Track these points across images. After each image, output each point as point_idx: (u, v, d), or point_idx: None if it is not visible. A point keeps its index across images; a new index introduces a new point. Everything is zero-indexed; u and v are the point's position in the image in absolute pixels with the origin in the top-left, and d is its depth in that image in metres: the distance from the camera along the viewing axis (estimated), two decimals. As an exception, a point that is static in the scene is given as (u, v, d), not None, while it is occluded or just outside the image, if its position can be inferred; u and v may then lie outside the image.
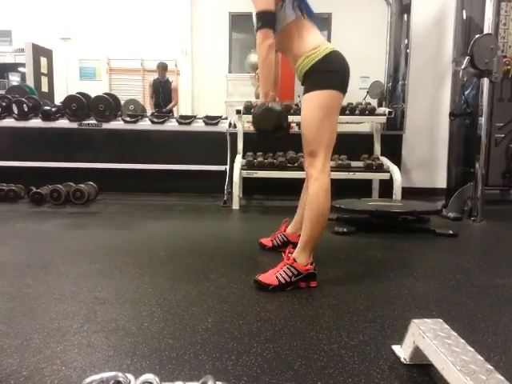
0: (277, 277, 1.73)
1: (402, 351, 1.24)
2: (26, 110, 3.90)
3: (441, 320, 1.21)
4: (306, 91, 1.79)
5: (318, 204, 1.76)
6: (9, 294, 1.66)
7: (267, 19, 1.73)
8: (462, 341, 1.10)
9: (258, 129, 1.84)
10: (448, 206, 3.51)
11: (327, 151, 1.78)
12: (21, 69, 6.84)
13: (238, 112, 3.94)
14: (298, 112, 3.91)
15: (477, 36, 3.03)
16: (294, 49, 1.82)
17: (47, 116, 3.89)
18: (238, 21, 6.98)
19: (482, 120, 3.20)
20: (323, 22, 7.05)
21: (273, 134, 1.80)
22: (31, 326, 1.39)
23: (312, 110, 1.76)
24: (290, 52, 1.85)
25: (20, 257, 2.16)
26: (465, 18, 3.57)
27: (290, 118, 4.09)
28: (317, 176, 1.76)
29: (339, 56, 1.81)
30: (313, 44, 1.78)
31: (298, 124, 4.96)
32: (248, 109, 3.85)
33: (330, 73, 1.75)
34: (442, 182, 3.94)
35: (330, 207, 1.80)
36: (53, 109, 3.95)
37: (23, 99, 3.95)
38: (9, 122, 3.91)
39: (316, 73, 1.76)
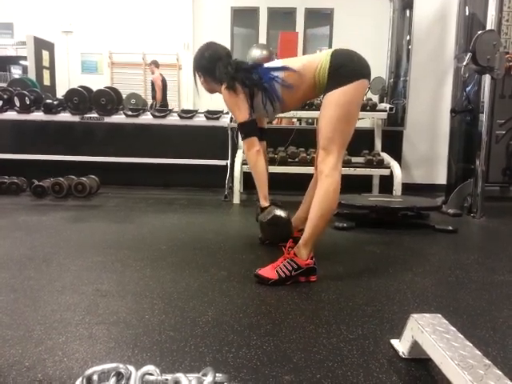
0: (277, 271, 1.74)
1: (401, 345, 1.25)
2: (27, 103, 3.90)
3: (439, 315, 1.22)
4: (326, 91, 1.81)
5: (326, 201, 1.77)
6: (11, 286, 1.67)
7: (248, 130, 1.93)
8: (461, 336, 1.11)
9: (267, 237, 2.11)
10: (448, 202, 3.52)
11: (341, 149, 1.80)
12: (22, 62, 6.82)
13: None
14: (298, 108, 3.91)
15: (479, 32, 3.02)
16: (307, 84, 1.86)
17: (49, 109, 3.89)
18: (240, 15, 6.95)
19: (483, 117, 3.20)
20: (325, 18, 7.02)
21: (281, 240, 1.93)
22: (33, 317, 1.41)
23: (330, 109, 1.78)
24: (305, 91, 1.90)
25: (22, 249, 2.18)
26: (467, 14, 3.56)
27: (291, 114, 4.10)
28: (328, 173, 1.77)
29: (343, 51, 1.84)
30: (316, 61, 1.82)
31: (299, 120, 4.98)
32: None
33: (340, 69, 1.77)
34: (442, 178, 3.94)
35: (337, 205, 1.82)
36: (54, 102, 3.95)
37: (25, 92, 3.95)
38: (11, 114, 3.91)
39: (331, 76, 1.78)
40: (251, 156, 1.93)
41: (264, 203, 1.95)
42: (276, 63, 1.98)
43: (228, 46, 7.64)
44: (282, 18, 6.82)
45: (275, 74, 1.89)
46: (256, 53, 6.54)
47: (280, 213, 1.91)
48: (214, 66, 2.01)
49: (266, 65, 1.99)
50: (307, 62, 1.87)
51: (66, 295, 1.59)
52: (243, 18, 7.00)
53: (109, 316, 1.43)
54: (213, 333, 1.33)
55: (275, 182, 3.99)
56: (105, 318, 1.41)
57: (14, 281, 1.73)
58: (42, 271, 1.86)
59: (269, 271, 1.75)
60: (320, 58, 1.82)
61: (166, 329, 1.35)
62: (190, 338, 1.29)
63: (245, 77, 1.91)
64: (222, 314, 1.46)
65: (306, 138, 3.77)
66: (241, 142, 4.05)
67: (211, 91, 2.14)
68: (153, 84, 6.56)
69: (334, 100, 1.76)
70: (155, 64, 6.70)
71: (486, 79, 3.17)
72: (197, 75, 2.12)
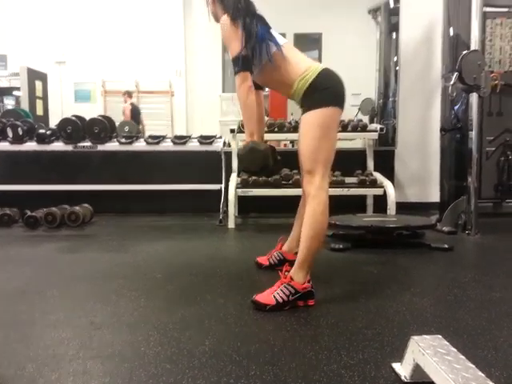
0: (274, 296, 1.72)
1: (403, 369, 1.23)
2: (20, 133, 3.91)
3: (440, 336, 1.21)
4: (304, 111, 1.82)
5: (316, 222, 1.76)
6: (1, 321, 1.64)
7: (242, 63, 1.79)
8: (462, 357, 1.09)
9: (244, 169, 1.91)
10: (442, 220, 3.52)
11: (325, 169, 1.80)
12: (16, 92, 6.88)
13: (232, 131, 3.97)
14: (291, 130, 3.96)
15: (464, 52, 3.10)
16: (284, 77, 1.85)
17: (42, 139, 3.89)
18: (231, 42, 7.09)
19: (473, 134, 3.24)
20: (314, 42, 7.20)
21: (259, 173, 1.85)
22: (25, 354, 1.37)
23: (310, 129, 1.78)
24: (281, 82, 1.88)
25: (14, 282, 2.14)
26: (452, 35, 3.65)
27: (284, 136, 4.15)
28: (315, 193, 1.77)
29: (331, 73, 1.85)
30: (303, 67, 1.82)
31: (292, 142, 5.02)
32: (242, 128, 3.88)
33: (325, 90, 1.79)
34: (435, 196, 3.96)
35: (327, 225, 1.81)
36: (48, 132, 3.96)
37: (18, 123, 3.96)
38: (3, 145, 3.91)
39: (312, 93, 1.79)
40: (242, 91, 1.79)
41: (247, 138, 1.85)
42: (278, 37, 1.91)
43: (220, 72, 7.80)
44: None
45: (270, 40, 1.85)
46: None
47: (257, 144, 1.81)
48: None
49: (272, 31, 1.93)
50: (297, 62, 1.85)
51: (59, 329, 1.56)
52: (233, 44, 7.14)
53: (103, 349, 1.40)
54: (210, 364, 1.30)
55: (270, 204, 4.02)
56: (99, 352, 1.38)
57: (5, 316, 1.69)
58: (35, 305, 1.82)
59: (266, 297, 1.73)
60: (307, 68, 1.81)
61: (163, 361, 1.31)
62: (188, 370, 1.26)
63: (247, 17, 1.84)
64: (220, 344, 1.43)
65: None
66: (235, 166, 4.07)
67: (215, 17, 2.03)
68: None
69: (314, 120, 1.77)
70: (128, 94, 7.01)
71: (474, 97, 3.23)
72: None
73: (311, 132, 1.78)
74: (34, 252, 2.82)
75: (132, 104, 6.99)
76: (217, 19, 2.01)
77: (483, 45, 3.68)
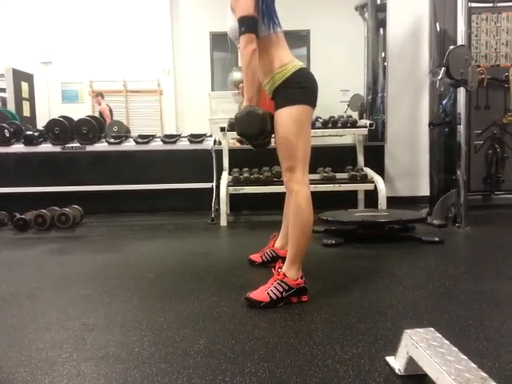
0: (268, 293, 1.72)
1: (396, 362, 1.24)
2: (7, 135, 3.86)
3: (433, 329, 1.22)
4: (278, 107, 1.80)
5: (301, 216, 1.77)
6: (-7, 326, 1.61)
7: (250, 24, 1.74)
8: (455, 349, 1.11)
9: (241, 133, 1.82)
10: (432, 213, 3.56)
11: (304, 164, 1.81)
12: (1, 94, 6.77)
13: (223, 129, 3.96)
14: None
15: (451, 47, 3.12)
16: (266, 61, 1.84)
17: (29, 141, 3.85)
18: (219, 40, 7.08)
19: (461, 128, 3.28)
20: (302, 40, 7.20)
21: (256, 137, 1.80)
22: (17, 358, 1.35)
23: (285, 125, 1.78)
24: (261, 64, 1.85)
25: (4, 286, 2.11)
26: (438, 30, 3.68)
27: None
28: (297, 189, 1.78)
29: (307, 73, 1.86)
30: (282, 61, 1.81)
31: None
32: (232, 126, 3.87)
33: (300, 89, 1.79)
34: (425, 190, 4.00)
35: (313, 218, 1.81)
36: (35, 133, 3.92)
37: (4, 125, 3.90)
38: (-10, 148, 3.86)
39: (286, 89, 1.79)
40: (247, 53, 1.73)
41: (246, 102, 1.80)
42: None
43: (208, 70, 7.76)
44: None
45: (276, 18, 1.84)
46: (237, 75, 6.64)
47: (255, 108, 1.76)
48: None
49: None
50: (283, 53, 1.84)
51: (51, 332, 1.54)
52: (222, 42, 7.10)
53: (97, 351, 1.38)
54: (205, 362, 1.29)
55: (262, 202, 4.02)
56: (93, 354, 1.37)
57: (-3, 320, 1.67)
58: (26, 308, 1.80)
59: (260, 294, 1.73)
60: (290, 62, 1.81)
61: (157, 361, 1.31)
62: (182, 370, 1.25)
63: None
64: (214, 342, 1.43)
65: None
66: (225, 164, 4.06)
67: None
68: (101, 114, 6.66)
69: (291, 117, 1.76)
70: (101, 95, 7.01)
71: (461, 92, 3.25)
72: None
73: (288, 129, 1.77)
74: (24, 255, 2.78)
75: (107, 105, 7.02)
76: None
77: (469, 40, 3.72)
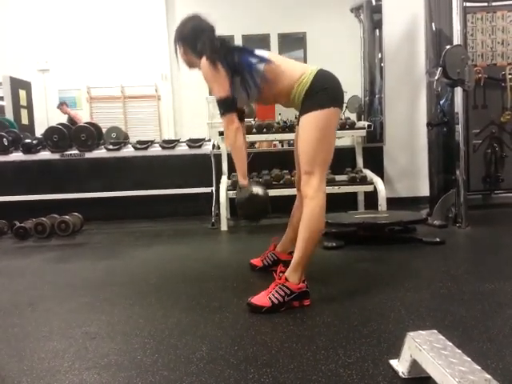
0: (269, 298, 1.71)
1: (400, 365, 1.23)
2: (6, 144, 3.86)
3: (435, 331, 1.22)
4: (304, 112, 1.81)
5: (313, 223, 1.76)
6: (-5, 336, 1.61)
7: (227, 106, 1.82)
8: (458, 351, 1.10)
9: (243, 214, 1.92)
10: (433, 213, 3.55)
11: (323, 170, 1.81)
12: (-1, 102, 6.78)
13: (221, 133, 3.96)
14: (279, 130, 3.96)
15: (447, 47, 3.13)
16: (282, 88, 1.85)
17: (28, 149, 3.84)
18: (215, 44, 7.09)
19: (459, 128, 3.28)
20: (298, 42, 7.22)
21: (259, 219, 1.87)
22: (19, 368, 1.35)
23: (309, 131, 1.78)
24: (280, 93, 1.88)
25: (5, 295, 2.10)
26: (434, 30, 3.69)
27: (272, 136, 4.14)
28: (312, 195, 1.77)
29: (327, 73, 1.85)
30: (298, 72, 1.82)
31: (281, 142, 5.03)
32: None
33: (323, 91, 1.79)
34: (424, 191, 3.99)
35: (324, 226, 1.81)
36: (34, 141, 3.91)
37: (3, 133, 3.90)
38: (-11, 157, 3.86)
39: (311, 96, 1.79)
40: (230, 133, 1.82)
41: (242, 181, 1.87)
42: (262, 53, 1.90)
43: (205, 74, 7.54)
44: (256, 44, 6.98)
45: (256, 62, 1.84)
46: (233, 79, 6.63)
47: (257, 190, 1.84)
48: (196, 37, 1.89)
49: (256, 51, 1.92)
50: (291, 68, 1.86)
51: (53, 341, 1.54)
52: (218, 46, 7.13)
53: (99, 359, 1.38)
54: (208, 369, 1.29)
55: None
56: (95, 362, 1.36)
57: (-2, 330, 1.67)
58: (27, 317, 1.79)
59: (261, 299, 1.72)
60: (303, 72, 1.81)
61: (160, 369, 1.30)
62: (185, 377, 1.25)
63: (226, 55, 1.84)
64: (217, 348, 1.42)
65: (289, 160, 3.81)
66: (225, 168, 4.06)
67: (190, 65, 2.01)
68: (72, 121, 6.61)
69: (314, 122, 1.78)
70: (66, 104, 7.05)
71: (458, 91, 3.26)
72: (177, 46, 2.00)
73: (310, 134, 1.78)
74: (24, 263, 2.78)
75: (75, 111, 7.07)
76: (191, 66, 2.00)
77: (465, 39, 3.73)
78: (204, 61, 1.82)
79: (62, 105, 7.01)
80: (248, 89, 1.86)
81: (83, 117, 6.94)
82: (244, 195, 1.84)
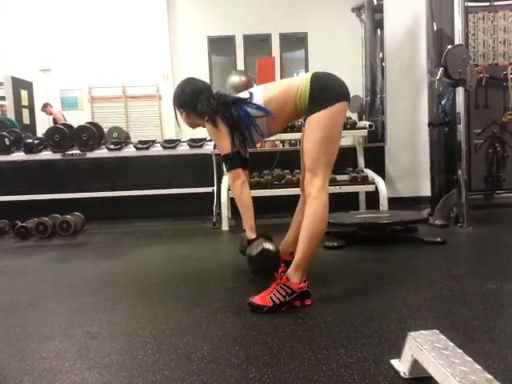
0: (271, 298, 1.71)
1: (401, 365, 1.23)
2: (7, 143, 3.87)
3: (437, 331, 1.21)
4: (309, 114, 1.82)
5: (315, 223, 1.77)
6: (-4, 335, 1.61)
7: (232, 161, 1.94)
8: (460, 351, 1.10)
9: (255, 270, 1.95)
10: (434, 213, 3.55)
11: (327, 170, 1.82)
12: (1, 102, 6.79)
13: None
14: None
15: (449, 47, 3.12)
16: (288, 108, 1.88)
17: (30, 149, 3.85)
18: (217, 44, 7.09)
19: (461, 127, 3.27)
20: (300, 42, 7.21)
21: (270, 272, 1.85)
22: (20, 367, 1.35)
23: (314, 131, 1.79)
24: (289, 115, 1.93)
25: (6, 295, 2.11)
26: (436, 29, 3.69)
27: (275, 137, 4.13)
28: (316, 195, 1.77)
29: (321, 75, 1.87)
30: (295, 87, 1.85)
31: (282, 142, 5.03)
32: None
33: (322, 91, 1.80)
34: (426, 190, 3.99)
35: (326, 226, 1.81)
36: (35, 141, 3.92)
37: (4, 133, 3.91)
38: (-10, 157, 3.86)
39: (313, 99, 1.80)
40: (236, 187, 1.92)
41: (251, 235, 1.92)
42: (256, 91, 1.96)
43: (206, 74, 7.75)
44: (257, 44, 6.98)
45: (254, 110, 1.90)
46: (235, 79, 6.64)
47: (269, 246, 1.87)
48: (195, 100, 1.98)
49: (246, 93, 1.97)
50: (287, 87, 1.89)
51: (54, 341, 1.54)
52: (220, 46, 7.14)
53: (100, 359, 1.38)
54: (209, 369, 1.29)
55: (262, 205, 4.01)
56: (96, 362, 1.36)
57: (-1, 329, 1.67)
58: (28, 317, 1.79)
59: (262, 299, 1.72)
60: (300, 82, 1.85)
61: (161, 368, 1.30)
62: (187, 377, 1.25)
63: (224, 111, 1.92)
64: (218, 348, 1.42)
65: (291, 160, 3.80)
66: (225, 168, 4.06)
67: (194, 126, 2.12)
68: (56, 122, 6.61)
69: (317, 123, 1.78)
70: (50, 105, 6.94)
71: (460, 91, 3.25)
72: (177, 111, 2.09)
73: (316, 133, 1.78)
74: (25, 263, 2.78)
75: (59, 112, 6.99)
76: (195, 126, 2.12)
77: (467, 39, 3.73)
78: (206, 122, 1.95)
79: (45, 106, 6.87)
80: (249, 138, 1.96)
81: (61, 117, 6.82)
82: (255, 251, 1.86)
